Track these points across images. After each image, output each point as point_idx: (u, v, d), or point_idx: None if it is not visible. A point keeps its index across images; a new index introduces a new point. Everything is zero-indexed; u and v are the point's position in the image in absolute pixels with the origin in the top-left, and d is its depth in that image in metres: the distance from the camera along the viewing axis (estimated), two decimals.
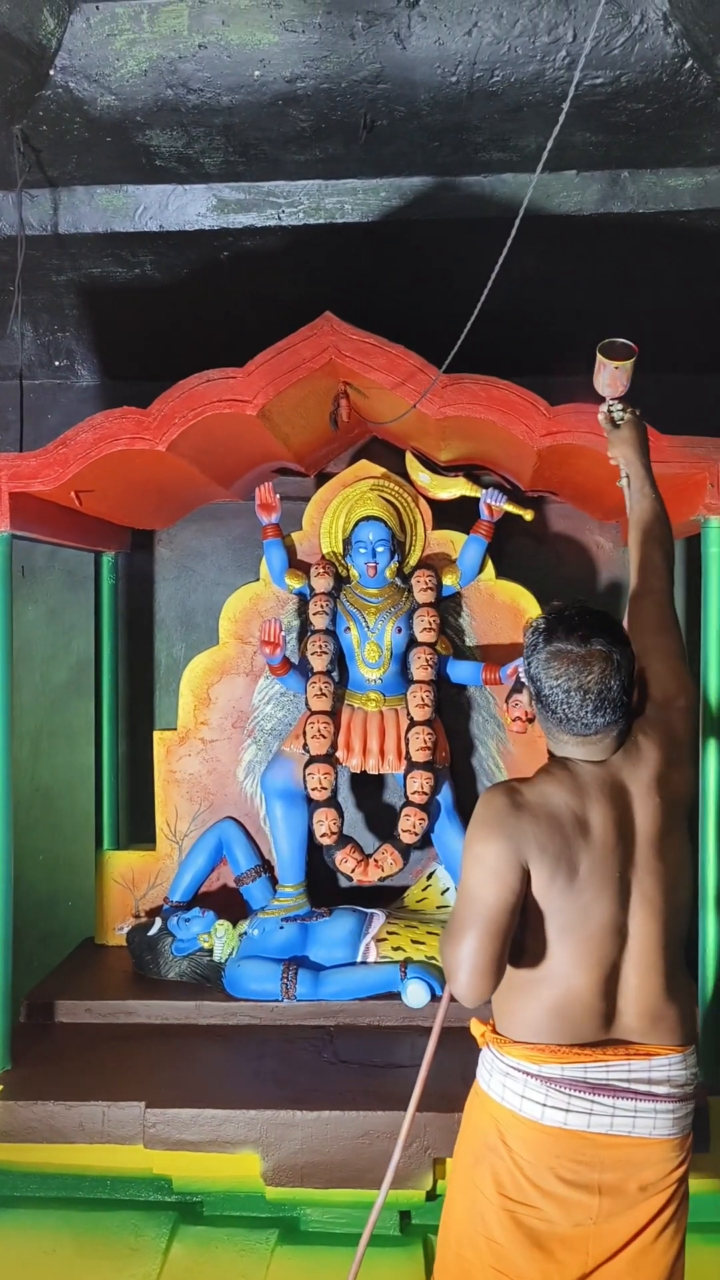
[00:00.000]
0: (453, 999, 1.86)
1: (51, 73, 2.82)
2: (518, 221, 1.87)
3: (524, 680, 1.94)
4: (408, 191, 3.25)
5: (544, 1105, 1.82)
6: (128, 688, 4.04)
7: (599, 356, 2.34)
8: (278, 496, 3.57)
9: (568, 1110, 1.81)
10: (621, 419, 2.35)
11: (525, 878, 1.79)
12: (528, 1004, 1.84)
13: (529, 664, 1.89)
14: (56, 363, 3.97)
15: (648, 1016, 1.84)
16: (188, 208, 3.33)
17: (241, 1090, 2.77)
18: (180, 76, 2.81)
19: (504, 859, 1.77)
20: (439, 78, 2.78)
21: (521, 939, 1.84)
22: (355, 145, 3.07)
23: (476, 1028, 1.96)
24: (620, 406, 2.36)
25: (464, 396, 2.77)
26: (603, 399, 2.39)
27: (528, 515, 3.53)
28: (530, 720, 3.25)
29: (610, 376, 2.34)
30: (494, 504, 3.48)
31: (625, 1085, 1.82)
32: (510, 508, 3.49)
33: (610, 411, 2.36)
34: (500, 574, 3.63)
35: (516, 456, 3.15)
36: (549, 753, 1.94)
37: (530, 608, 3.58)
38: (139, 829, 3.92)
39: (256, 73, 2.79)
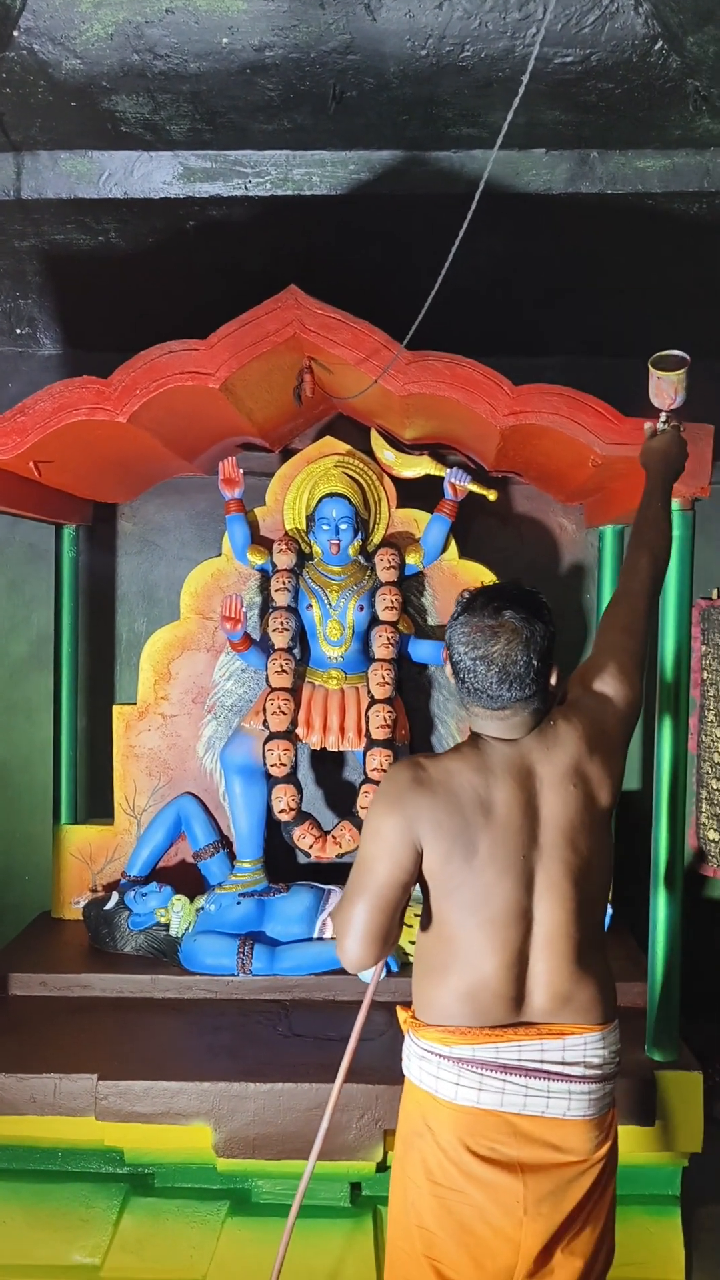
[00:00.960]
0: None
1: (15, 34, 2.76)
2: (477, 195, 1.87)
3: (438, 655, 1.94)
4: (376, 165, 3.22)
5: (457, 1085, 1.83)
6: (88, 662, 4.01)
7: (650, 368, 2.32)
8: (241, 471, 3.55)
9: (480, 1089, 1.83)
10: (662, 429, 2.34)
11: (418, 855, 1.81)
12: (439, 989, 1.86)
13: (447, 632, 1.90)
14: (18, 330, 3.91)
15: (557, 999, 1.84)
16: (153, 175, 3.29)
17: (195, 1063, 2.78)
18: (147, 41, 2.76)
19: (397, 833, 1.80)
20: (409, 50, 2.75)
21: (430, 918, 1.86)
22: (324, 116, 3.04)
23: (401, 1014, 1.97)
24: (665, 419, 2.35)
25: (428, 374, 2.76)
26: (659, 412, 2.37)
27: (491, 495, 3.53)
28: None
29: (654, 387, 2.32)
30: (458, 483, 3.48)
31: (537, 1065, 1.83)
32: (474, 487, 3.49)
33: (658, 425, 2.35)
34: (463, 554, 3.64)
35: (481, 436, 3.15)
36: (469, 731, 1.94)
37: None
38: (97, 804, 3.91)
39: (224, 40, 2.75)
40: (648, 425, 2.39)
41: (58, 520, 3.65)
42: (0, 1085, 2.71)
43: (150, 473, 3.75)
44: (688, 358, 2.31)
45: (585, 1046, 1.85)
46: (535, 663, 1.81)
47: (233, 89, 2.92)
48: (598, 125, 3.06)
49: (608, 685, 1.98)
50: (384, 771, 3.28)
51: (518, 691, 1.81)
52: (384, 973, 3.10)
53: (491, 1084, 1.82)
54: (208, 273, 3.57)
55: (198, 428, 3.28)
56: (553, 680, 1.88)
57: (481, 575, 3.61)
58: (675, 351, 2.33)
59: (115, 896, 3.41)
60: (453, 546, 3.59)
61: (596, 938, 1.91)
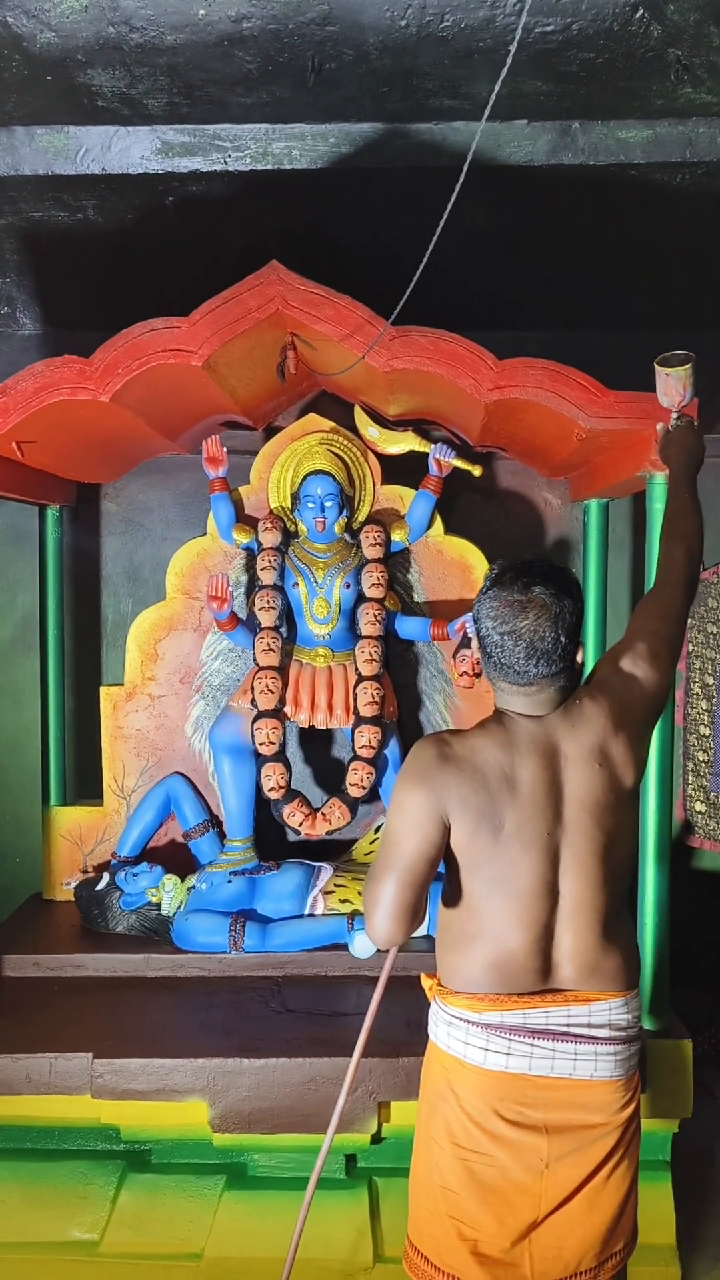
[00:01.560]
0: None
1: None
2: (465, 168, 1.85)
3: (469, 627, 1.96)
4: (357, 138, 3.20)
5: (485, 1050, 1.86)
6: (74, 643, 4.00)
7: (656, 367, 2.34)
8: (225, 450, 3.53)
9: (508, 1054, 1.85)
10: (674, 425, 2.35)
11: (445, 830, 1.82)
12: (465, 959, 1.88)
13: (475, 605, 1.91)
14: None
15: (584, 969, 1.88)
16: (131, 150, 3.25)
17: (189, 1040, 2.79)
18: (123, 14, 2.72)
19: (424, 810, 1.81)
20: (388, 21, 2.72)
21: (455, 892, 1.87)
22: (303, 89, 3.00)
23: (425, 981, 2.00)
24: (678, 415, 2.36)
25: (412, 349, 2.74)
26: (668, 413, 2.40)
27: (476, 471, 3.53)
28: (477, 675, 3.30)
29: (664, 384, 2.35)
30: (443, 459, 3.47)
31: (564, 1029, 1.87)
32: (459, 463, 3.49)
33: (671, 423, 2.37)
34: (449, 530, 3.64)
35: (465, 411, 3.14)
36: (495, 706, 1.96)
37: (479, 564, 3.59)
38: (86, 785, 3.91)
39: (201, 11, 2.71)
40: (660, 425, 2.42)
41: (41, 501, 3.63)
42: None
43: (133, 452, 3.73)
44: (693, 355, 2.33)
45: (610, 1011, 1.89)
46: (563, 639, 1.83)
47: (210, 61, 2.88)
48: (579, 96, 3.04)
49: (637, 667, 1.99)
50: (372, 748, 3.29)
51: (545, 667, 1.83)
52: (376, 949, 3.12)
53: (520, 1048, 1.85)
54: (188, 249, 3.54)
55: (180, 406, 3.26)
56: (579, 657, 1.90)
57: (466, 551, 3.61)
58: (679, 351, 2.36)
59: (106, 877, 3.41)
60: (438, 523, 3.59)
61: (621, 909, 1.94)
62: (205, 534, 3.65)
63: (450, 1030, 1.90)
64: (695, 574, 2.16)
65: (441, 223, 1.98)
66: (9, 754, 4.07)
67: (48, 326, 3.92)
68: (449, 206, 1.94)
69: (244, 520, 3.58)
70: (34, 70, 2.92)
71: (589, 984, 1.88)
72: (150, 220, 3.46)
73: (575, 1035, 1.87)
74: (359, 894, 3.30)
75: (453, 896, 1.90)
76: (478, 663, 3.29)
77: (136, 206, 3.42)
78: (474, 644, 1.95)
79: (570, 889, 1.85)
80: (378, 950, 3.12)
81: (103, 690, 3.70)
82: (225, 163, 3.25)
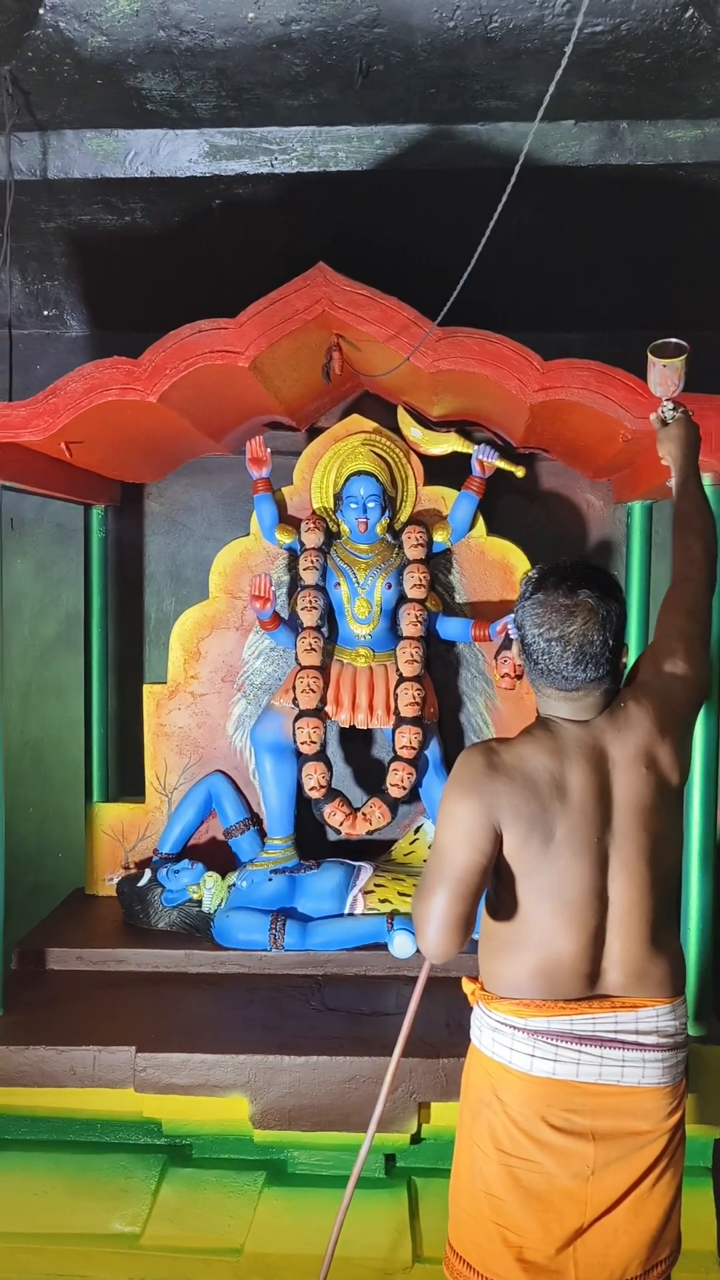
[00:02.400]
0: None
1: (41, 11, 2.75)
2: (516, 169, 1.85)
3: (512, 631, 1.95)
4: (403, 139, 3.20)
5: (532, 1056, 1.85)
6: (117, 641, 4.04)
7: (650, 356, 2.30)
8: (269, 451, 3.55)
9: (555, 1060, 1.84)
10: (672, 417, 2.32)
11: (497, 840, 1.80)
12: (511, 965, 1.87)
13: (517, 614, 1.89)
14: (45, 312, 3.92)
15: (632, 975, 1.86)
16: (179, 153, 3.28)
17: (231, 1036, 2.81)
18: (173, 17, 2.75)
19: (476, 820, 1.78)
20: (436, 22, 2.73)
21: (503, 901, 1.85)
22: (350, 91, 3.02)
23: (467, 985, 1.99)
24: (672, 406, 2.33)
25: (457, 350, 2.74)
26: (658, 401, 2.36)
27: (519, 472, 3.52)
28: (519, 677, 3.29)
29: (659, 375, 2.31)
30: (486, 460, 3.47)
31: (612, 1036, 1.85)
32: (502, 464, 3.48)
33: (663, 413, 2.33)
34: (491, 531, 3.63)
35: (509, 412, 3.14)
36: (537, 712, 1.95)
37: (520, 565, 3.59)
38: (128, 782, 3.94)
39: (251, 14, 2.73)
40: (654, 416, 2.38)
41: (86, 501, 3.67)
42: (41, 1058, 2.75)
43: (177, 452, 3.76)
44: (687, 345, 2.30)
45: (658, 1018, 1.88)
46: (610, 642, 1.82)
47: (259, 64, 2.91)
48: (627, 96, 3.03)
49: (676, 666, 1.98)
50: (413, 749, 3.29)
51: (593, 672, 1.82)
52: (416, 948, 3.13)
53: (567, 1055, 1.84)
54: (233, 251, 3.56)
55: (226, 407, 3.28)
56: (623, 660, 1.89)
57: (508, 552, 3.60)
58: (674, 339, 2.32)
59: (148, 873, 3.44)
60: (480, 523, 3.59)
61: (668, 915, 1.92)
62: (248, 534, 3.67)
63: (495, 1036, 1.89)
64: (715, 568, 2.15)
65: (492, 223, 1.98)
66: (53, 750, 4.11)
67: (94, 328, 3.97)
68: (499, 207, 1.94)
69: (287, 520, 3.60)
70: (85, 74, 2.96)
71: (637, 990, 1.87)
72: (196, 222, 3.49)
73: (623, 1042, 1.85)
74: (399, 894, 3.30)
75: (499, 904, 1.88)
76: (520, 665, 3.29)
77: (183, 209, 3.45)
78: (515, 649, 1.93)
79: (619, 895, 1.84)
80: (417, 950, 3.13)
81: (145, 688, 3.73)
82: (272, 165, 3.27)
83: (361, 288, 2.77)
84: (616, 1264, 1.89)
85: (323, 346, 3.04)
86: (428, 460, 3.61)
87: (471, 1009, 2.00)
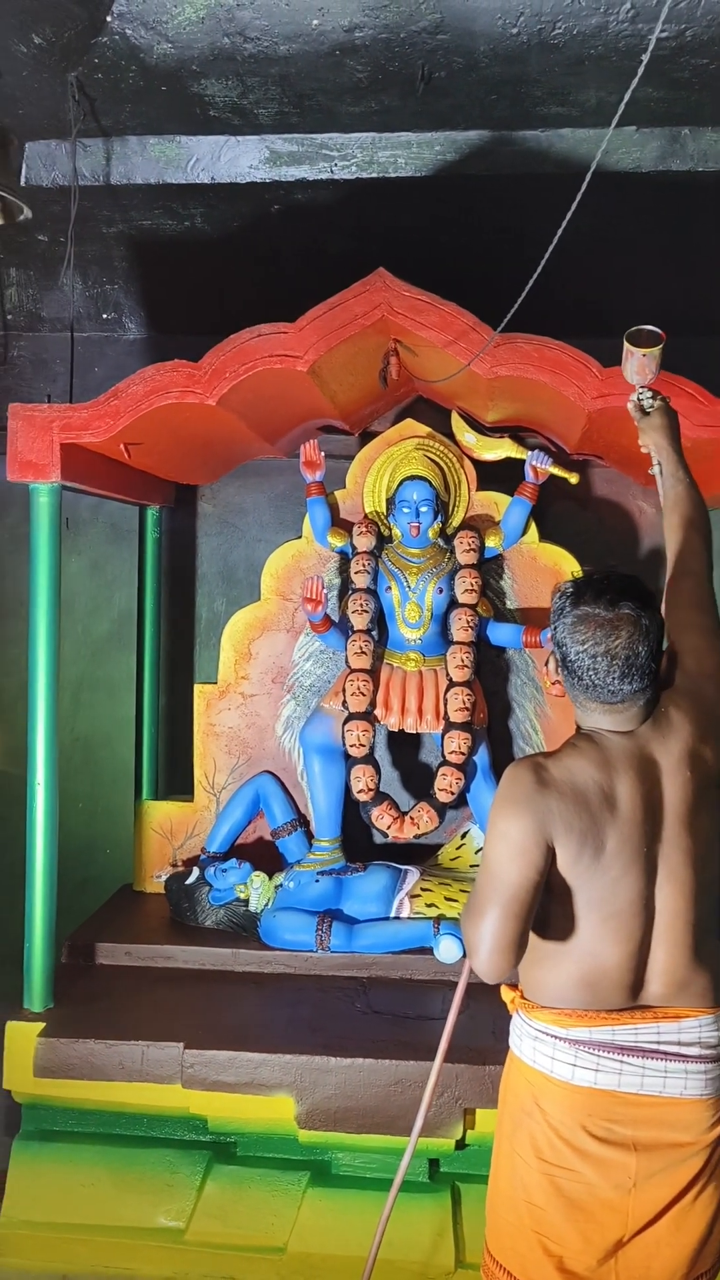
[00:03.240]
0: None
1: (108, 19, 2.79)
2: (588, 176, 1.86)
3: (550, 647, 1.93)
4: (463, 145, 3.21)
5: (574, 1066, 1.83)
6: (168, 641, 4.08)
7: (626, 344, 2.30)
8: (322, 454, 3.57)
9: (597, 1070, 1.82)
10: (651, 406, 2.31)
11: (550, 855, 1.78)
12: (554, 974, 1.85)
13: (554, 629, 1.87)
14: (105, 315, 3.97)
15: (675, 986, 1.84)
16: (240, 160, 3.31)
17: (277, 1035, 2.83)
18: (237, 24, 2.77)
19: (529, 837, 1.76)
20: (500, 29, 2.73)
21: (548, 912, 1.83)
22: (411, 97, 3.03)
23: (506, 993, 1.98)
24: (650, 394, 2.32)
25: (516, 356, 2.75)
26: (632, 387, 2.35)
27: (573, 478, 3.51)
28: None
29: (639, 364, 2.30)
30: (539, 466, 3.46)
31: (654, 1046, 1.83)
32: (556, 470, 3.47)
33: (640, 400, 2.32)
34: (543, 537, 3.62)
35: (565, 419, 3.13)
36: (576, 725, 1.93)
37: (572, 571, 3.57)
38: (177, 780, 3.98)
39: (315, 21, 2.75)
40: (631, 405, 2.35)
41: (142, 501, 3.71)
42: (90, 1051, 2.78)
43: (232, 455, 3.79)
44: (662, 333, 2.29)
45: (700, 1029, 1.85)
46: (654, 652, 1.81)
47: (321, 71, 2.93)
48: (690, 102, 3.02)
49: (702, 665, 1.97)
50: (462, 754, 3.29)
51: (637, 684, 1.81)
52: (462, 954, 3.13)
53: (609, 1065, 1.82)
54: (291, 256, 3.59)
55: (282, 410, 3.31)
56: (662, 667, 1.88)
57: (560, 558, 3.59)
58: (648, 327, 2.31)
59: (196, 872, 3.47)
60: (533, 529, 3.58)
61: (711, 925, 1.90)
62: (300, 536, 3.69)
63: (536, 1045, 1.88)
64: (710, 555, 2.14)
65: (560, 230, 1.99)
66: (103, 747, 4.16)
67: (152, 331, 4.01)
68: (568, 215, 1.95)
69: (339, 524, 3.62)
70: (149, 81, 3.00)
71: (679, 1000, 1.85)
72: (255, 227, 3.52)
73: (665, 1053, 1.83)
74: (445, 899, 3.30)
75: (545, 915, 1.85)
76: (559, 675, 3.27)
77: (243, 214, 3.48)
78: (553, 665, 1.91)
79: (666, 903, 1.83)
80: (463, 956, 3.13)
81: (196, 688, 3.76)
82: (331, 171, 3.29)
83: (421, 293, 2.79)
84: (658, 1277, 1.88)
85: (380, 351, 3.05)
86: (481, 465, 3.61)
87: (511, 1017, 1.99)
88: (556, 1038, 1.85)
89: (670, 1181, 1.85)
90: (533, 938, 1.87)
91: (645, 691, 1.83)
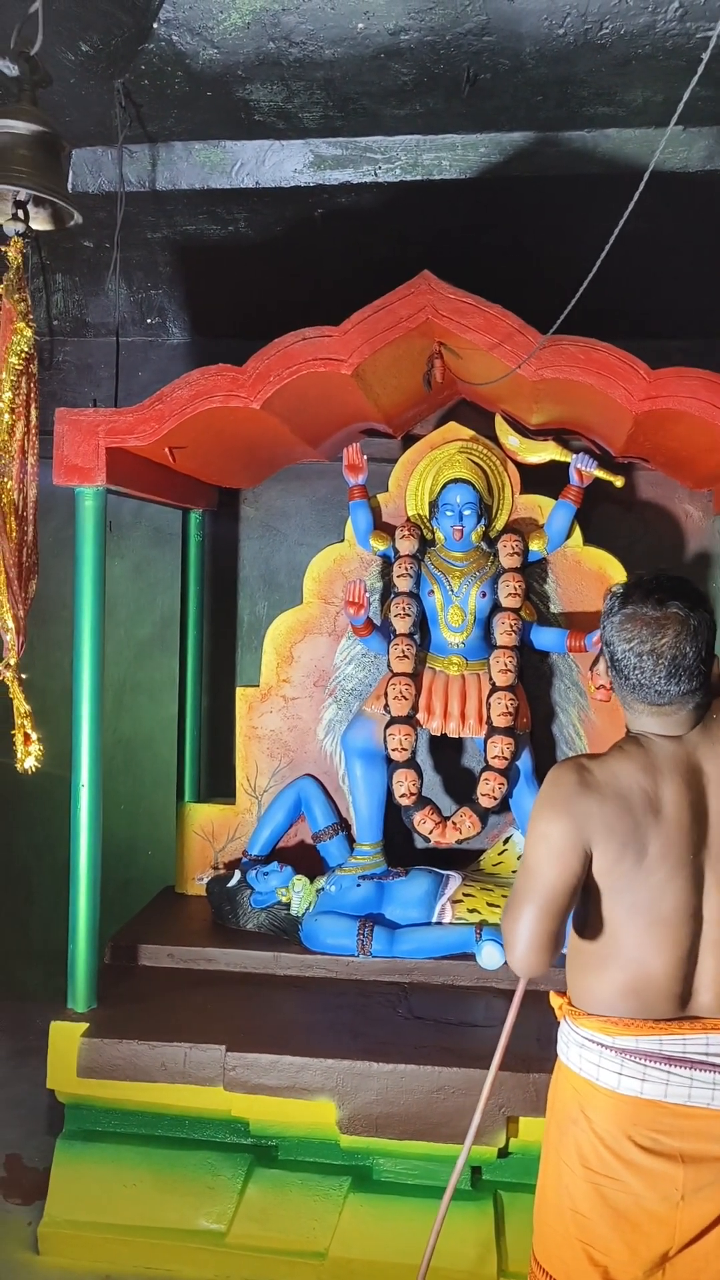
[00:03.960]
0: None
1: (155, 26, 2.81)
2: (645, 177, 1.85)
3: (597, 647, 1.90)
4: (508, 147, 3.19)
5: (620, 1074, 1.81)
6: (210, 644, 4.10)
7: None
8: (365, 457, 3.57)
9: (643, 1080, 1.80)
10: None
11: (588, 858, 1.77)
12: (600, 982, 1.84)
13: (603, 628, 1.86)
14: (149, 320, 4.00)
15: None
16: (284, 164, 3.32)
17: (319, 1040, 2.82)
18: (283, 29, 2.78)
19: (567, 839, 1.76)
20: (546, 30, 2.71)
21: (592, 916, 1.82)
22: (456, 100, 3.02)
23: (554, 1000, 1.97)
24: None
25: (562, 359, 2.72)
26: None
27: (618, 481, 3.47)
28: (613, 689, 3.23)
29: None
30: (584, 469, 3.43)
31: (702, 1058, 1.80)
32: (601, 473, 3.44)
33: None
34: (587, 541, 3.59)
35: (611, 421, 3.10)
36: (626, 728, 1.91)
37: (617, 575, 3.54)
38: (219, 783, 3.99)
39: (360, 25, 2.75)
40: None
41: (185, 505, 3.73)
42: (134, 1052, 2.80)
43: (274, 459, 3.80)
44: None
45: None
46: (703, 654, 1.79)
47: (366, 74, 2.92)
48: None
49: None
50: (505, 759, 3.27)
51: (685, 685, 1.79)
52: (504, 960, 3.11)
53: (655, 1075, 1.80)
54: (334, 259, 3.59)
55: (325, 414, 3.31)
56: (714, 671, 1.85)
57: (605, 562, 3.56)
58: None
59: (237, 874, 3.48)
60: (577, 533, 3.55)
61: None
62: (342, 540, 3.69)
63: (582, 1053, 1.86)
64: None
65: (615, 233, 1.98)
66: (145, 749, 4.19)
67: (195, 335, 4.04)
68: (625, 216, 1.94)
69: (381, 527, 3.61)
70: (195, 87, 3.02)
71: None
72: (298, 231, 3.53)
73: (714, 1065, 1.80)
74: (487, 904, 3.28)
75: (589, 921, 1.84)
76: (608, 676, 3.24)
77: (286, 218, 3.49)
78: (602, 665, 1.89)
79: (713, 911, 1.79)
80: (505, 962, 3.11)
81: (238, 691, 3.77)
82: (375, 174, 3.28)
83: (466, 296, 2.77)
84: None
85: (424, 354, 3.04)
86: (524, 469, 3.58)
87: (559, 1024, 1.98)
88: (603, 1046, 1.83)
89: (718, 1195, 1.81)
90: (580, 945, 1.86)
91: (694, 695, 1.80)
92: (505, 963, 3.10)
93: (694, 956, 1.80)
